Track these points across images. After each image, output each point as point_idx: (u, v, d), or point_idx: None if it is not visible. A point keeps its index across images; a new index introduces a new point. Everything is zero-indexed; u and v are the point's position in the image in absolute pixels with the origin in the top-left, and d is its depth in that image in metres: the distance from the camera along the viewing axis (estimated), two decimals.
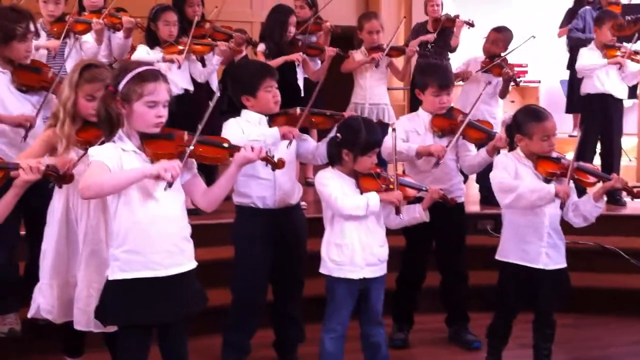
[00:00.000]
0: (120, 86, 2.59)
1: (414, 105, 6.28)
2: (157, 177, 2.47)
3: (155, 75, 2.64)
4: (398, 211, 3.22)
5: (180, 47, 4.74)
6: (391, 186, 3.24)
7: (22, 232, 3.61)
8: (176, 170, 2.47)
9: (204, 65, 5.00)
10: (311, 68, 5.45)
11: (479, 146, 3.92)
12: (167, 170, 2.45)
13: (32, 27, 3.47)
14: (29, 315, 3.12)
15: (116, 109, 2.60)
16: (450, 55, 6.42)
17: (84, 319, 2.93)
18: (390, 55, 5.57)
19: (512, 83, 5.35)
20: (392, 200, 3.19)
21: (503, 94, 5.43)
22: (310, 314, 3.62)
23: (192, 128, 2.74)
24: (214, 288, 3.24)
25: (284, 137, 3.29)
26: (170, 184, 2.48)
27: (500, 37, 5.42)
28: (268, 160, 2.91)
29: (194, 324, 3.01)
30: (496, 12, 8.77)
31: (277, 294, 3.59)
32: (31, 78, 3.47)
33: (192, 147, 2.63)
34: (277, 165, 2.94)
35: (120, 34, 4.76)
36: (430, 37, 6.26)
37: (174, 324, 2.71)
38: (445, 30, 6.34)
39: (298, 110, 3.47)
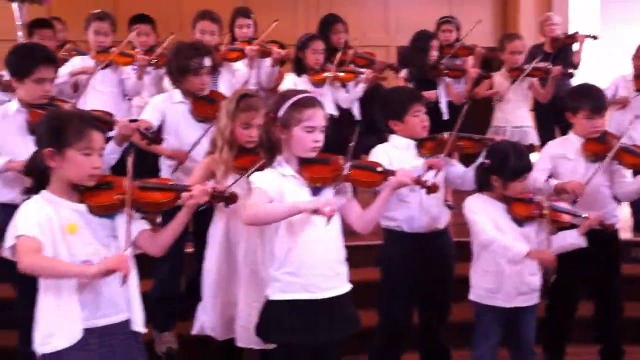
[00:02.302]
0: (281, 112, 2.72)
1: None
2: (315, 212, 2.55)
3: (313, 102, 2.76)
4: (547, 277, 3.18)
5: (326, 74, 4.89)
6: (545, 212, 3.17)
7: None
8: (333, 208, 2.53)
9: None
10: (454, 90, 5.45)
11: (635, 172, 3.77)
12: (325, 205, 2.52)
13: (207, 62, 3.69)
14: (193, 332, 3.30)
15: (276, 135, 2.73)
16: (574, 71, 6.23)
17: (245, 336, 3.07)
18: (533, 75, 5.46)
19: None
20: (545, 262, 3.14)
21: None
22: (457, 340, 3.59)
23: (335, 152, 2.84)
24: (361, 309, 3.29)
25: (430, 168, 3.28)
26: (329, 219, 2.55)
27: None
28: (422, 184, 2.94)
29: (342, 345, 3.06)
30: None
31: (423, 318, 3.58)
32: (205, 109, 3.69)
33: (347, 171, 2.72)
34: (431, 189, 2.96)
35: (268, 63, 4.97)
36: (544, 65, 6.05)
37: (328, 345, 2.79)
38: (564, 49, 6.16)
39: (446, 135, 3.48)
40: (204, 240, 3.31)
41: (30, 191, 2.42)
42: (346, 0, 7.75)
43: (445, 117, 5.28)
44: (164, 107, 3.73)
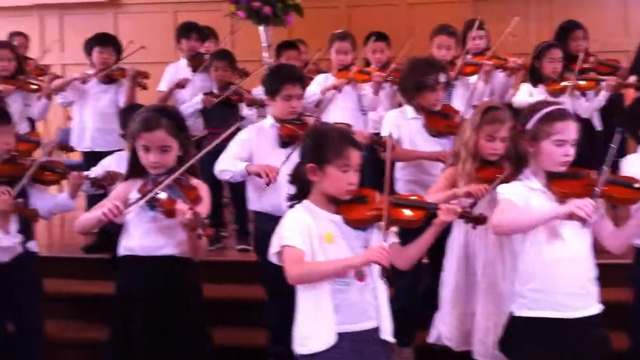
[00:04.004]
0: (529, 125, 2.68)
1: None
2: (570, 217, 2.46)
3: (564, 114, 2.68)
4: None
5: (565, 83, 4.69)
6: None
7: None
8: (590, 208, 2.42)
9: None
10: None
11: None
12: (580, 207, 2.42)
13: (442, 78, 3.73)
14: (430, 341, 3.35)
15: (524, 148, 2.69)
16: None
17: (482, 349, 3.07)
18: None
19: None
20: None
21: None
22: None
23: (577, 164, 2.71)
24: (612, 331, 3.10)
25: None
26: (585, 221, 2.44)
27: None
28: None
29: None
30: None
31: None
32: (439, 123, 3.75)
33: (602, 187, 2.58)
34: None
35: (501, 74, 4.89)
36: None
37: None
38: None
39: None
40: (441, 250, 3.32)
41: (294, 198, 2.60)
42: (582, 3, 7.35)
43: None
44: (398, 122, 3.82)
